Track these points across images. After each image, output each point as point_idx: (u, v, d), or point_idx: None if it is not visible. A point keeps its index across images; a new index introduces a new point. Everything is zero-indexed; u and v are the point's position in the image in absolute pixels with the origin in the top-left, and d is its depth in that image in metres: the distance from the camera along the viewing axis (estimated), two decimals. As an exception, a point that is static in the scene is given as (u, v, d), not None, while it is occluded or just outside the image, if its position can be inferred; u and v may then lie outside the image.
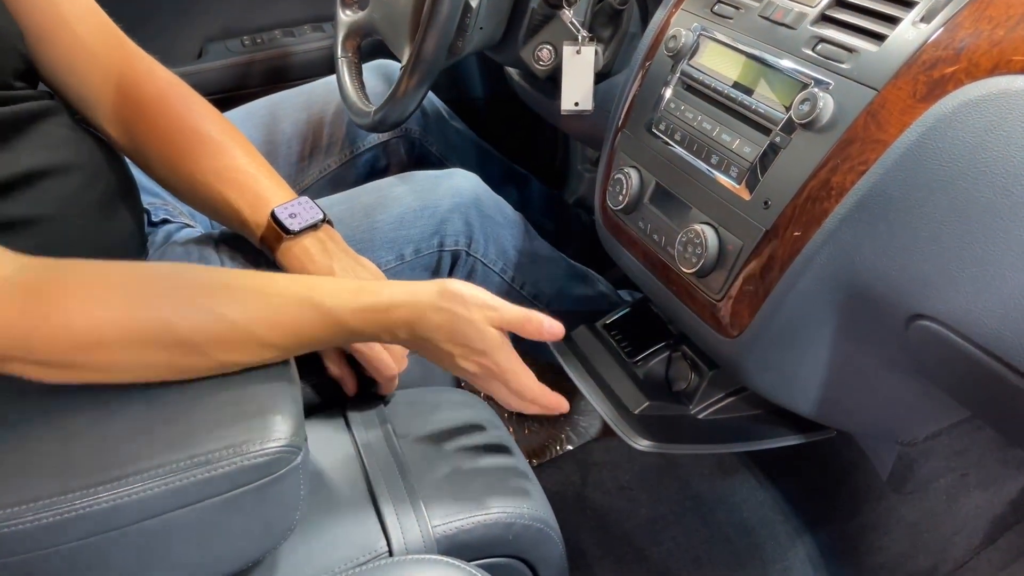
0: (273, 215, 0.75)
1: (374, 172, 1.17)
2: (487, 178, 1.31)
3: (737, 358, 0.68)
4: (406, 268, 0.91)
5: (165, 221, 0.95)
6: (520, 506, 0.75)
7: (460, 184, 0.95)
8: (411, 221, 0.91)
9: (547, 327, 0.66)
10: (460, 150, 1.29)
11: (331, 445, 0.77)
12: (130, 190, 0.85)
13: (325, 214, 0.77)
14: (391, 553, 0.68)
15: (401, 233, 0.90)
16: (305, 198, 0.77)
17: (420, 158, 1.22)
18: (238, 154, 0.78)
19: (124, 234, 0.82)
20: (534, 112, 1.20)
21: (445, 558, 0.65)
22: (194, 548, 0.59)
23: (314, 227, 0.75)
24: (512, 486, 0.77)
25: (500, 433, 0.85)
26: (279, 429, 0.58)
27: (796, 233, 0.61)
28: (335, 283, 0.65)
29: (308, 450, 0.62)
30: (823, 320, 0.63)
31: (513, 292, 0.98)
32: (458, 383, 1.11)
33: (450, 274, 0.94)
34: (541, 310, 0.97)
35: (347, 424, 0.79)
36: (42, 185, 0.70)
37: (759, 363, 0.68)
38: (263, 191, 0.77)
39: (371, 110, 0.94)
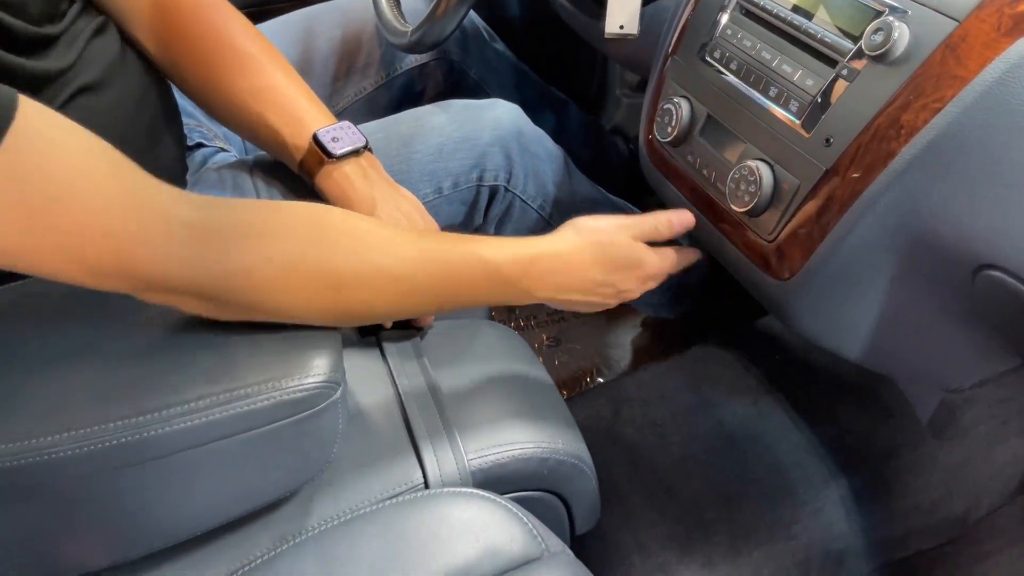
0: (315, 138, 0.72)
1: (410, 97, 1.13)
2: (525, 103, 1.27)
3: (785, 302, 0.66)
4: (443, 202, 0.89)
5: (200, 145, 0.93)
6: (555, 441, 0.75)
7: (502, 116, 0.91)
8: (450, 153, 0.88)
9: (677, 221, 0.70)
10: (499, 74, 1.24)
11: (367, 377, 0.76)
12: (175, 117, 0.83)
13: (367, 140, 0.74)
14: (427, 485, 0.68)
15: (439, 165, 0.87)
16: (347, 122, 0.75)
17: (457, 83, 1.18)
18: (277, 74, 0.75)
19: (168, 160, 0.80)
20: (574, 34, 1.15)
21: (480, 491, 0.65)
22: (232, 479, 0.59)
23: (356, 153, 0.73)
24: (547, 420, 0.77)
25: (534, 366, 0.84)
26: (318, 365, 0.58)
27: (858, 174, 0.57)
28: (487, 238, 0.67)
29: (346, 385, 0.62)
30: (880, 266, 0.61)
31: (549, 229, 0.95)
32: (490, 315, 1.10)
33: (487, 210, 0.92)
34: None
35: (383, 356, 0.79)
36: (91, 105, 0.68)
37: (809, 308, 0.65)
38: (303, 113, 0.74)
39: (408, 30, 0.91)
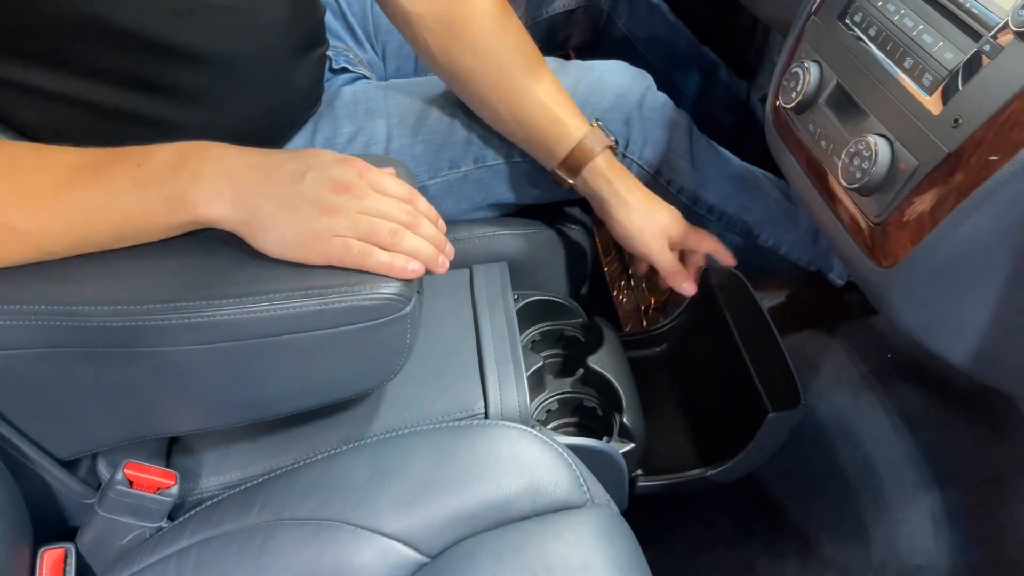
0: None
1: (552, 44, 1.12)
2: (671, 60, 1.23)
3: (887, 291, 0.61)
4: (559, 163, 0.88)
5: (344, 70, 0.97)
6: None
7: (625, 82, 0.89)
8: None
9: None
10: (650, 27, 1.21)
11: (450, 300, 0.78)
12: (322, 42, 0.86)
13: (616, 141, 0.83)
14: (487, 416, 0.69)
15: None
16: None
17: (604, 32, 1.16)
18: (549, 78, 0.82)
19: (304, 86, 0.83)
20: (731, -9, 1.10)
21: (534, 431, 0.66)
22: (302, 372, 0.63)
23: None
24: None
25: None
26: (392, 280, 0.60)
27: (982, 160, 0.52)
28: None
29: (420, 303, 0.64)
30: (993, 264, 0.55)
31: (670, 196, 0.93)
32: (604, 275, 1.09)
33: None
34: (702, 217, 0.93)
35: (471, 282, 0.80)
36: (230, 22, 0.71)
37: (910, 299, 0.61)
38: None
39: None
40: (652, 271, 1.32)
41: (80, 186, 0.57)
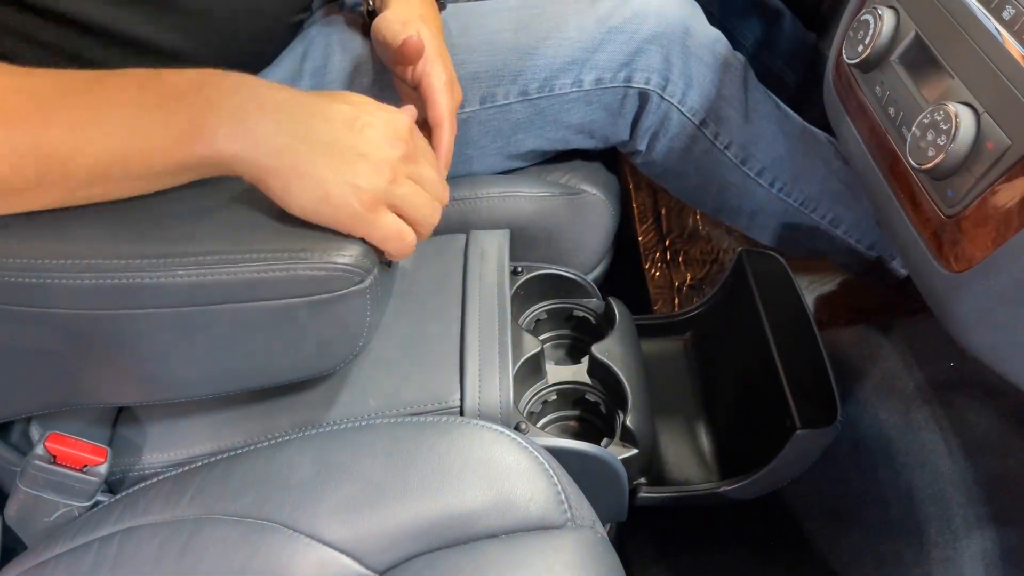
0: None
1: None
2: (729, 3, 1.09)
3: (953, 300, 0.49)
4: (580, 99, 0.76)
5: (349, -6, 0.86)
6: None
7: (668, 8, 0.76)
8: (599, 41, 0.74)
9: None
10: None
11: (439, 272, 0.69)
12: None
13: None
14: (463, 411, 0.60)
15: (585, 54, 0.74)
16: None
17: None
18: None
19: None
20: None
21: (512, 432, 0.56)
22: (243, 347, 0.54)
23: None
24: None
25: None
26: (345, 247, 0.50)
27: (1102, 143, 0.40)
28: None
29: (385, 276, 0.54)
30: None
31: (715, 151, 0.80)
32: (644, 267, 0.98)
33: (636, 120, 0.78)
34: (752, 181, 0.80)
35: (465, 253, 0.70)
36: None
37: (983, 315, 0.48)
38: None
39: None
40: (690, 241, 1.20)
41: (62, 107, 0.46)
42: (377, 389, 0.61)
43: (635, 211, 1.19)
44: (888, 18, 0.56)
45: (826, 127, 0.88)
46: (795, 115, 0.86)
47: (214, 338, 0.53)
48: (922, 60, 0.53)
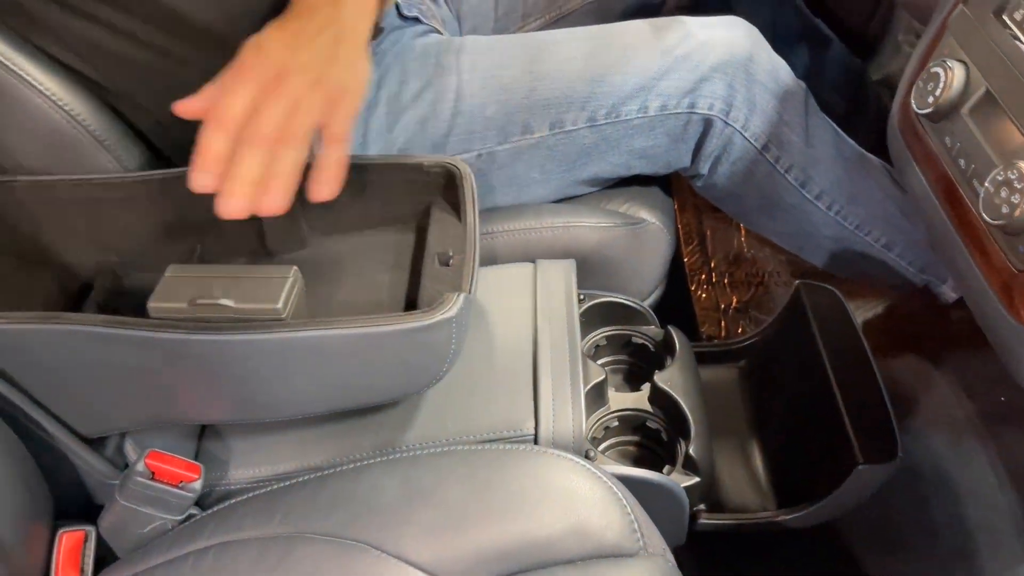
0: None
1: (650, 5, 1.02)
2: (777, 29, 1.10)
3: (1021, 351, 0.51)
4: (645, 126, 0.79)
5: (416, 20, 0.89)
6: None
7: (735, 38, 0.78)
8: (665, 70, 0.77)
9: None
10: (755, -6, 1.09)
11: (510, 301, 0.71)
12: None
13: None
14: (536, 440, 0.63)
15: (652, 81, 0.77)
16: None
17: (705, -2, 1.04)
18: None
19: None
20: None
21: (587, 463, 0.59)
22: (329, 374, 0.58)
23: None
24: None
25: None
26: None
27: None
28: None
29: (469, 305, 0.57)
30: None
31: (776, 175, 0.82)
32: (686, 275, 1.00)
33: (699, 145, 0.80)
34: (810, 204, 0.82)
35: (534, 282, 0.73)
36: None
37: (1051, 364, 0.51)
38: None
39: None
40: (735, 263, 1.22)
41: None
42: (454, 414, 0.64)
43: (680, 232, 1.22)
44: (958, 72, 0.58)
45: (873, 151, 0.91)
46: (851, 140, 0.88)
47: (305, 363, 0.56)
48: (993, 115, 0.55)
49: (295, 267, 0.58)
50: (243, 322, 0.55)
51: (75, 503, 0.66)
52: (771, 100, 0.79)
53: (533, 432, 0.62)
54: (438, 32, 0.92)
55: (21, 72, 0.64)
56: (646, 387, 0.74)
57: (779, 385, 0.80)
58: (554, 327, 0.68)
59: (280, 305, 0.55)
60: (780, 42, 1.12)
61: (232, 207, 0.53)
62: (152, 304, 0.56)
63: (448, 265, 0.62)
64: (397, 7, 0.89)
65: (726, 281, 1.17)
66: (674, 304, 1.05)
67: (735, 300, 1.13)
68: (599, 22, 1.00)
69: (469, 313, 0.57)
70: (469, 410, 0.64)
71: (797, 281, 0.79)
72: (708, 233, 1.23)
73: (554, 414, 0.63)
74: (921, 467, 0.77)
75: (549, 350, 0.67)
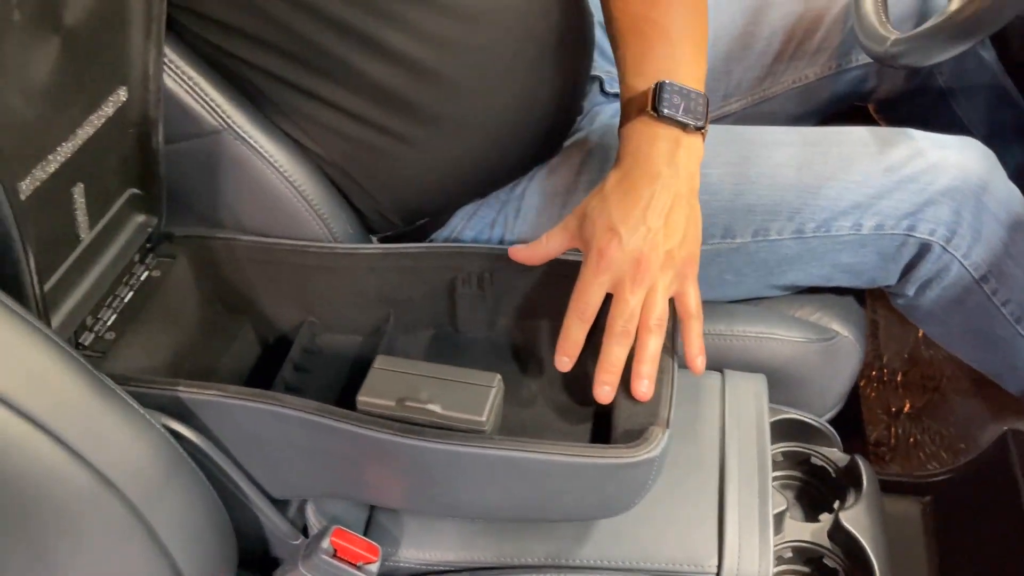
0: (659, 86, 0.64)
1: (857, 95, 0.97)
2: (994, 130, 1.03)
3: None
4: (855, 242, 0.74)
5: (618, 96, 0.88)
6: None
7: (969, 162, 0.73)
8: (887, 190, 0.73)
9: None
10: (974, 85, 1.01)
11: (697, 407, 0.69)
12: (583, 45, 0.77)
13: (705, 125, 0.65)
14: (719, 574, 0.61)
15: (869, 200, 0.73)
16: (706, 97, 0.66)
17: (919, 88, 0.99)
18: (679, 10, 0.68)
19: (554, 92, 0.75)
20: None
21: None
22: (518, 491, 0.58)
23: (683, 125, 0.64)
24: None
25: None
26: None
27: None
28: None
29: (670, 441, 0.56)
30: None
31: (991, 307, 0.77)
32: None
33: (910, 267, 0.75)
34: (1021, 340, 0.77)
35: (722, 399, 0.71)
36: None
37: None
38: (666, 59, 0.67)
39: (890, 37, 0.75)
40: (910, 362, 1.15)
41: None
42: (632, 536, 0.62)
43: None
44: None
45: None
46: None
47: (499, 476, 0.56)
48: None
49: (498, 376, 0.58)
50: (447, 430, 0.55)
51: (254, 554, 0.69)
52: (999, 231, 0.73)
53: (715, 571, 0.60)
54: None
55: (256, 145, 0.67)
56: (825, 518, 0.70)
57: (972, 534, 0.74)
58: (743, 451, 0.66)
59: (484, 418, 0.55)
60: (995, 139, 1.05)
61: (606, 395, 0.61)
62: (361, 398, 0.58)
63: None
64: (600, 83, 0.88)
65: (899, 379, 1.11)
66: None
67: (908, 405, 1.07)
68: (804, 107, 0.97)
69: (668, 450, 0.56)
70: (648, 535, 0.62)
71: (1005, 428, 0.73)
72: (881, 323, 1.16)
73: (739, 554, 0.60)
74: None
75: (737, 476, 0.64)
